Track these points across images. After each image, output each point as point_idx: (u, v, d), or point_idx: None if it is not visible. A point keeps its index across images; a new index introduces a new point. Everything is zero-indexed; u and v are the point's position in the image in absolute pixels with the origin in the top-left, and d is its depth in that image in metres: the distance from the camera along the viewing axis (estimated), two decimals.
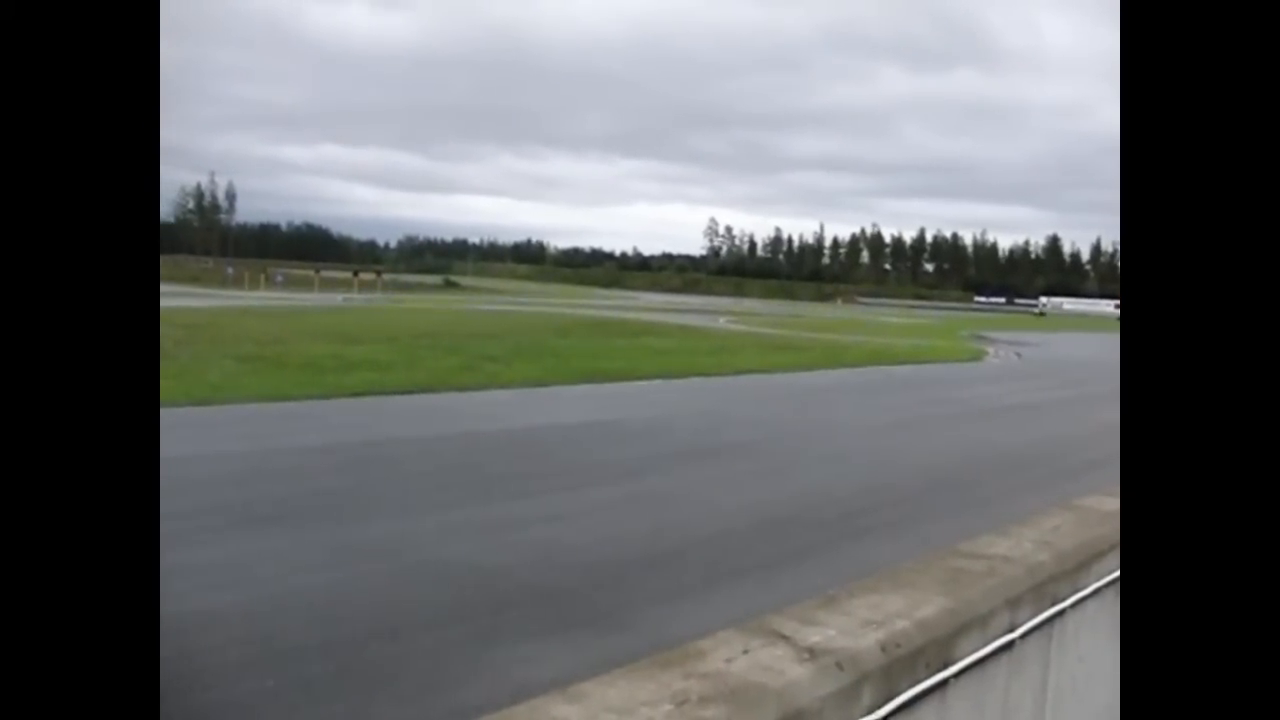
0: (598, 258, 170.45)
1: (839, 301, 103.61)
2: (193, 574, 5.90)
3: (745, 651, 2.64)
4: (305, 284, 67.82)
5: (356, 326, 30.38)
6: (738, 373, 22.63)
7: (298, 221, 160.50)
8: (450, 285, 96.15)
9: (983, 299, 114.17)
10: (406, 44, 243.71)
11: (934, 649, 3.04)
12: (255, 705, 4.50)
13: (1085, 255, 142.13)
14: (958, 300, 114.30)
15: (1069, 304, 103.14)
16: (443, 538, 7.40)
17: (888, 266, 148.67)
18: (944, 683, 3.07)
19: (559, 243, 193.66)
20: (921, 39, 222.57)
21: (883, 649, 2.82)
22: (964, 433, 15.02)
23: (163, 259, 62.24)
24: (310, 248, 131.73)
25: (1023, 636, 3.64)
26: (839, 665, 2.65)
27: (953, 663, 3.14)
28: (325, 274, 71.16)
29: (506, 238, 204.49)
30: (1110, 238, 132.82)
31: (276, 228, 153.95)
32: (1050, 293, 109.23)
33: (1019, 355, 35.37)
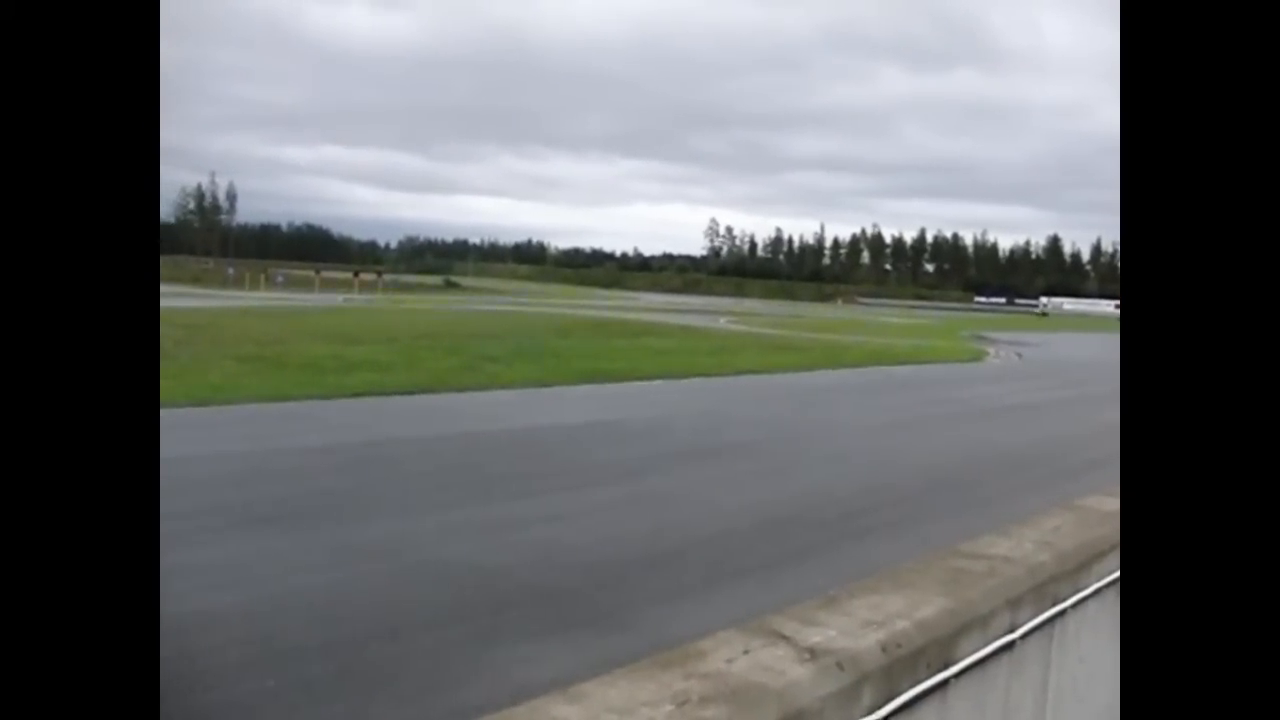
0: (598, 258, 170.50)
1: (839, 302, 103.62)
2: (193, 574, 5.90)
3: (746, 652, 2.64)
4: (306, 284, 67.86)
5: (357, 327, 30.39)
6: (738, 373, 22.63)
7: (298, 222, 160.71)
8: (451, 286, 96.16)
9: (983, 299, 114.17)
10: (407, 44, 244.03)
11: (935, 649, 3.04)
12: (255, 705, 4.50)
13: (1085, 255, 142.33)
14: (958, 300, 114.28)
15: (1069, 304, 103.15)
16: (443, 538, 7.40)
17: (888, 267, 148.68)
18: (944, 683, 3.07)
19: (559, 243, 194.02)
20: (921, 39, 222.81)
21: (883, 649, 2.82)
22: (964, 433, 15.02)
23: (163, 259, 62.27)
24: (311, 248, 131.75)
25: (1023, 637, 3.64)
26: (839, 665, 2.65)
27: (953, 663, 3.14)
28: (326, 274, 71.22)
29: (507, 238, 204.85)
30: (1110, 238, 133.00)
31: (277, 228, 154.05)
32: (1051, 293, 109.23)
33: (1019, 355, 35.37)
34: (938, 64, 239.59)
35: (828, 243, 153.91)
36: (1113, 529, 4.48)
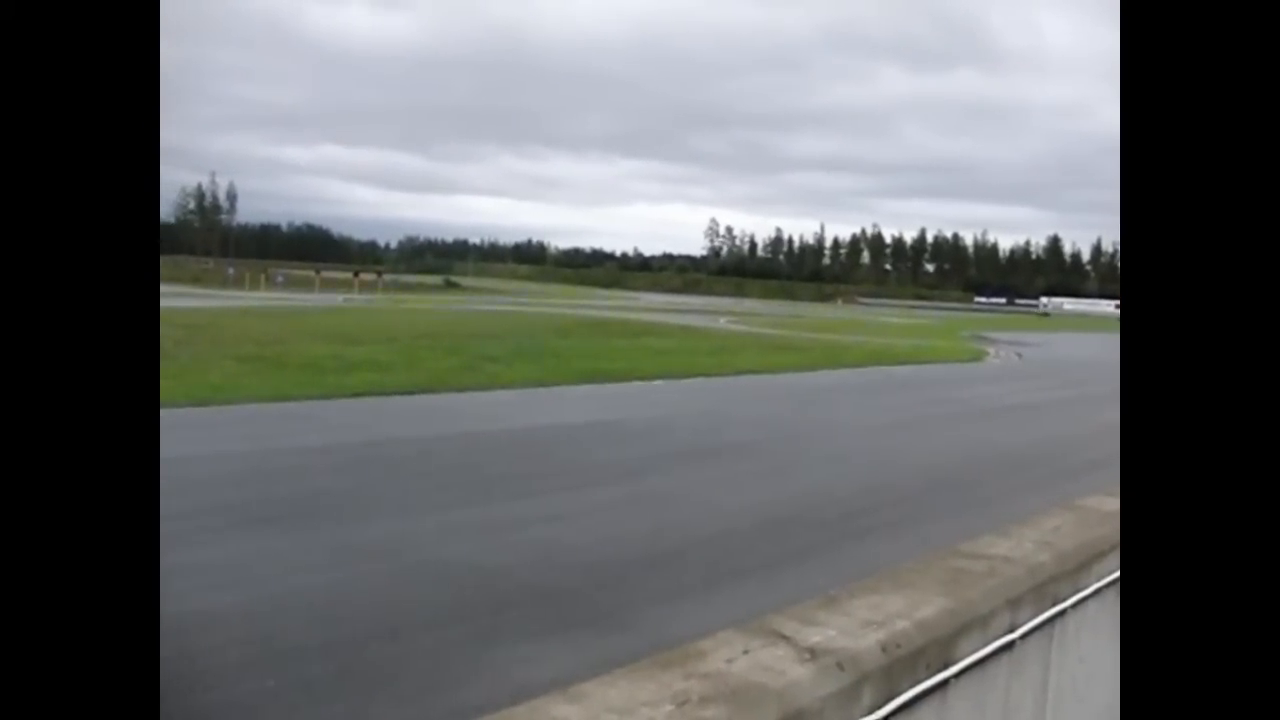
0: (598, 258, 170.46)
1: (839, 302, 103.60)
2: (193, 574, 5.90)
3: (746, 652, 2.64)
4: (306, 284, 67.86)
5: (357, 327, 30.39)
6: (738, 373, 22.63)
7: (298, 222, 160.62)
8: (451, 286, 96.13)
9: (983, 299, 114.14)
10: (407, 44, 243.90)
11: (934, 649, 3.04)
12: (256, 705, 4.50)
13: (1086, 255, 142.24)
14: (958, 301, 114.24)
15: (1069, 304, 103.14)
16: (443, 538, 7.40)
17: (888, 267, 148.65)
18: (944, 683, 3.07)
19: (559, 243, 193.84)
20: (921, 39, 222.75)
21: (883, 649, 2.82)
22: (964, 433, 15.02)
23: (163, 259, 62.26)
24: (311, 248, 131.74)
25: (1023, 637, 3.64)
26: (839, 665, 2.65)
27: (953, 663, 3.14)
28: (326, 274, 71.22)
29: (507, 238, 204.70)
30: (1110, 238, 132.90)
31: (277, 228, 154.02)
32: (1051, 293, 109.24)
33: (1019, 355, 35.37)
34: (938, 64, 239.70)
35: (828, 243, 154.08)
36: (1113, 529, 4.48)
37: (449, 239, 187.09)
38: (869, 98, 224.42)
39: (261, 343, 22.67)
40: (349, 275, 73.58)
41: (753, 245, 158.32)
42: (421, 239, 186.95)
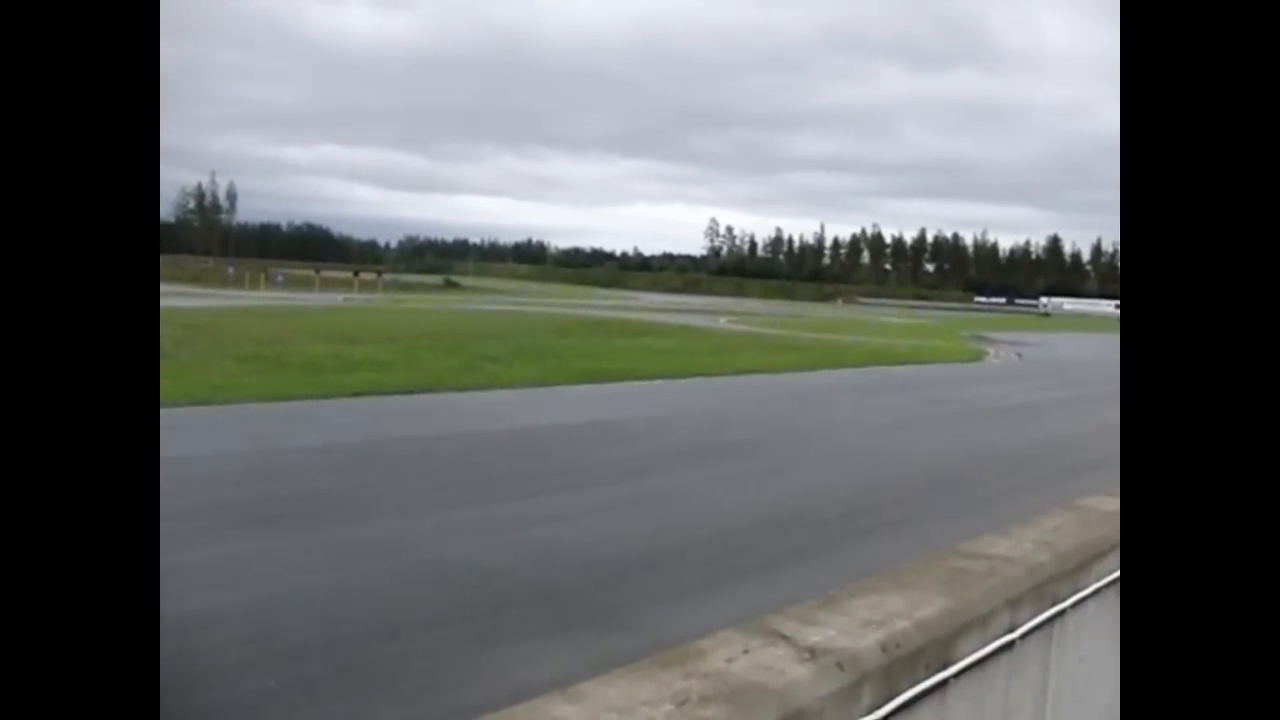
0: (598, 258, 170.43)
1: (839, 302, 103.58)
2: (193, 574, 5.91)
3: (745, 651, 2.64)
4: (306, 284, 67.85)
5: (357, 326, 30.39)
6: (738, 373, 22.64)
7: (298, 221, 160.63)
8: (451, 285, 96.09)
9: (983, 299, 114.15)
10: (407, 44, 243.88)
11: (934, 649, 3.04)
12: (256, 705, 4.50)
13: (1085, 255, 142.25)
14: (958, 300, 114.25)
15: (1069, 304, 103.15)
16: (443, 538, 7.40)
17: (888, 267, 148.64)
18: (944, 683, 3.07)
19: (559, 243, 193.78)
20: (921, 39, 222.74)
21: (883, 649, 2.82)
22: (964, 433, 15.02)
23: (163, 259, 62.24)
24: (311, 248, 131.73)
25: (1023, 637, 3.64)
26: (839, 665, 2.65)
27: (953, 663, 3.14)
28: (326, 274, 71.18)
29: (507, 238, 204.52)
30: (1110, 238, 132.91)
31: (277, 228, 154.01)
32: (1051, 293, 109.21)
33: (1019, 355, 35.38)
34: (938, 64, 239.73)
35: (828, 243, 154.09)
36: (1113, 529, 4.48)
37: (449, 239, 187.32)
38: (869, 98, 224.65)
39: (261, 342, 22.67)
40: (349, 275, 73.52)
41: (753, 245, 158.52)
42: (421, 239, 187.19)
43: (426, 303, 55.38)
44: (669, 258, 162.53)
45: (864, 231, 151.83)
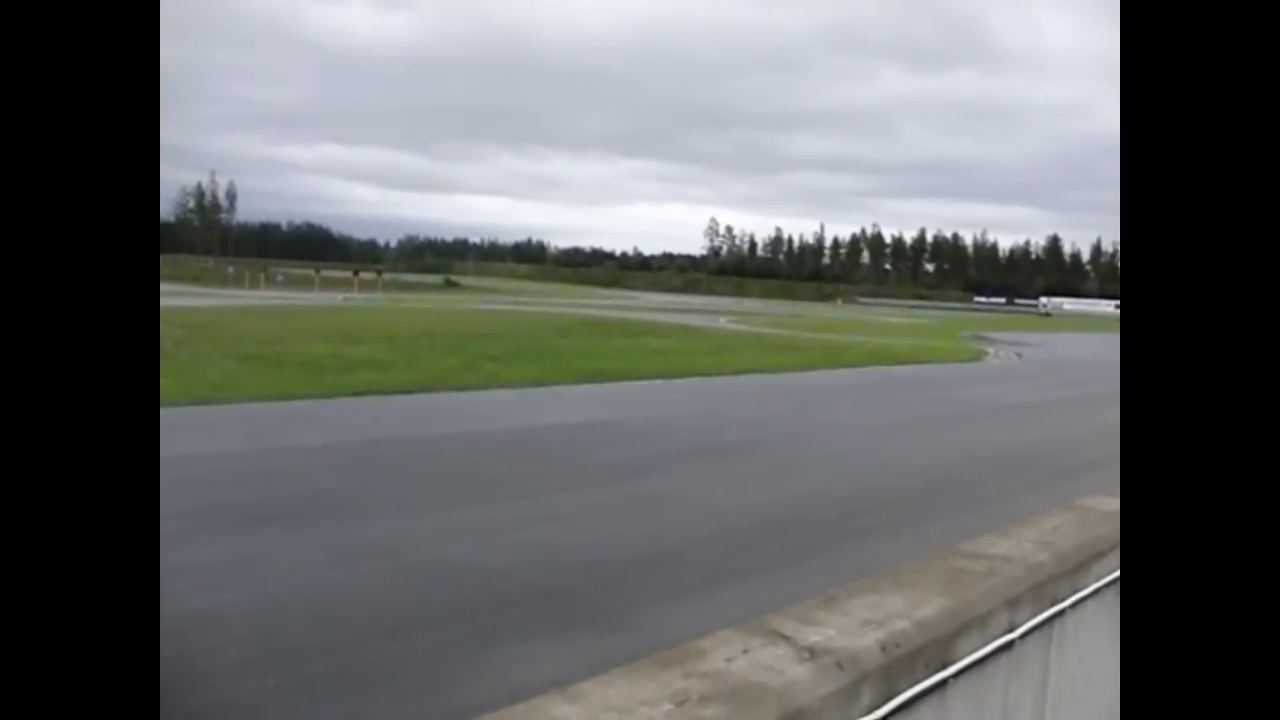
0: (598, 257, 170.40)
1: (839, 302, 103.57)
2: (193, 573, 5.91)
3: (745, 651, 2.64)
4: (305, 283, 67.84)
5: (357, 326, 30.39)
6: (738, 373, 22.64)
7: (298, 221, 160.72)
8: (450, 285, 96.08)
9: (983, 299, 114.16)
10: (407, 44, 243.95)
11: (934, 649, 3.04)
12: (256, 705, 4.50)
13: (1085, 255, 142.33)
14: (958, 300, 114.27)
15: (1069, 304, 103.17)
16: (442, 538, 7.40)
17: (888, 267, 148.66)
18: (943, 683, 3.07)
19: (559, 242, 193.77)
20: (921, 39, 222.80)
21: (882, 649, 2.82)
22: (964, 433, 15.02)
23: (163, 258, 62.23)
24: (310, 247, 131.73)
25: (1022, 637, 3.64)
26: (839, 665, 2.65)
27: (952, 663, 3.14)
28: (325, 273, 71.15)
29: (507, 237, 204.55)
30: (1110, 238, 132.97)
31: (277, 227, 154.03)
32: (1050, 293, 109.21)
33: (1019, 355, 35.37)
34: (938, 64, 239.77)
35: (828, 243, 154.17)
36: (1113, 529, 4.48)
37: (449, 238, 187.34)
38: (869, 98, 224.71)
39: (261, 341, 22.67)
40: (349, 274, 73.48)
41: (753, 245, 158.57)
42: (421, 238, 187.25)
43: (426, 302, 55.38)
44: (669, 257, 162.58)
45: (864, 231, 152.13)
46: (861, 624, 2.94)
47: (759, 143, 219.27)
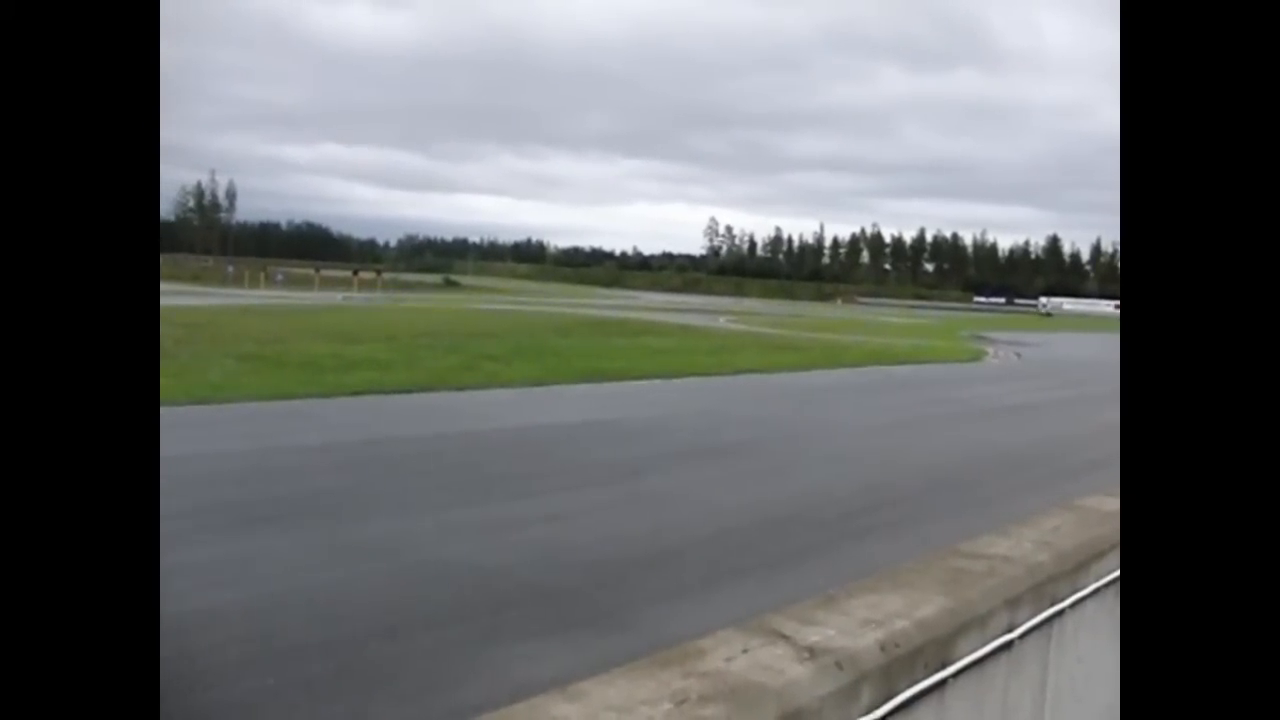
0: (598, 257, 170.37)
1: (839, 301, 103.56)
2: (193, 572, 5.91)
3: (745, 651, 2.64)
4: (305, 283, 67.82)
5: (356, 325, 30.39)
6: (738, 372, 22.63)
7: (298, 220, 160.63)
8: (450, 284, 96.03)
9: (982, 299, 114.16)
10: (407, 44, 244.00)
11: (933, 649, 3.04)
12: (255, 704, 4.50)
13: (1085, 255, 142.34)
14: (957, 300, 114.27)
15: (1069, 304, 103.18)
16: (442, 537, 7.40)
17: (888, 266, 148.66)
18: (943, 682, 3.07)
19: (559, 242, 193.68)
20: (921, 39, 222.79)
21: (882, 649, 2.82)
22: (964, 433, 15.02)
23: (163, 257, 62.16)
24: (310, 247, 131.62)
25: (1022, 637, 3.64)
26: (838, 665, 2.65)
27: (952, 663, 3.14)
28: (325, 273, 71.10)
29: (507, 237, 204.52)
30: (1110, 238, 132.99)
31: (277, 226, 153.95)
32: (1050, 293, 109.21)
33: (1019, 355, 35.37)
34: (938, 64, 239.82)
35: (827, 242, 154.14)
36: (1113, 529, 4.48)
37: (449, 238, 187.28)
38: (869, 98, 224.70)
39: (261, 341, 22.66)
40: (348, 274, 73.41)
41: (752, 245, 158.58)
42: (421, 238, 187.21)
43: (426, 302, 55.36)
44: (669, 257, 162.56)
45: (864, 231, 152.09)
46: (861, 624, 2.94)
47: (759, 143, 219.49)
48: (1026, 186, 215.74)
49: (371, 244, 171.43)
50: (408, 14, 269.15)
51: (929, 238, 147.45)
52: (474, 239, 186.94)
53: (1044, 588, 3.87)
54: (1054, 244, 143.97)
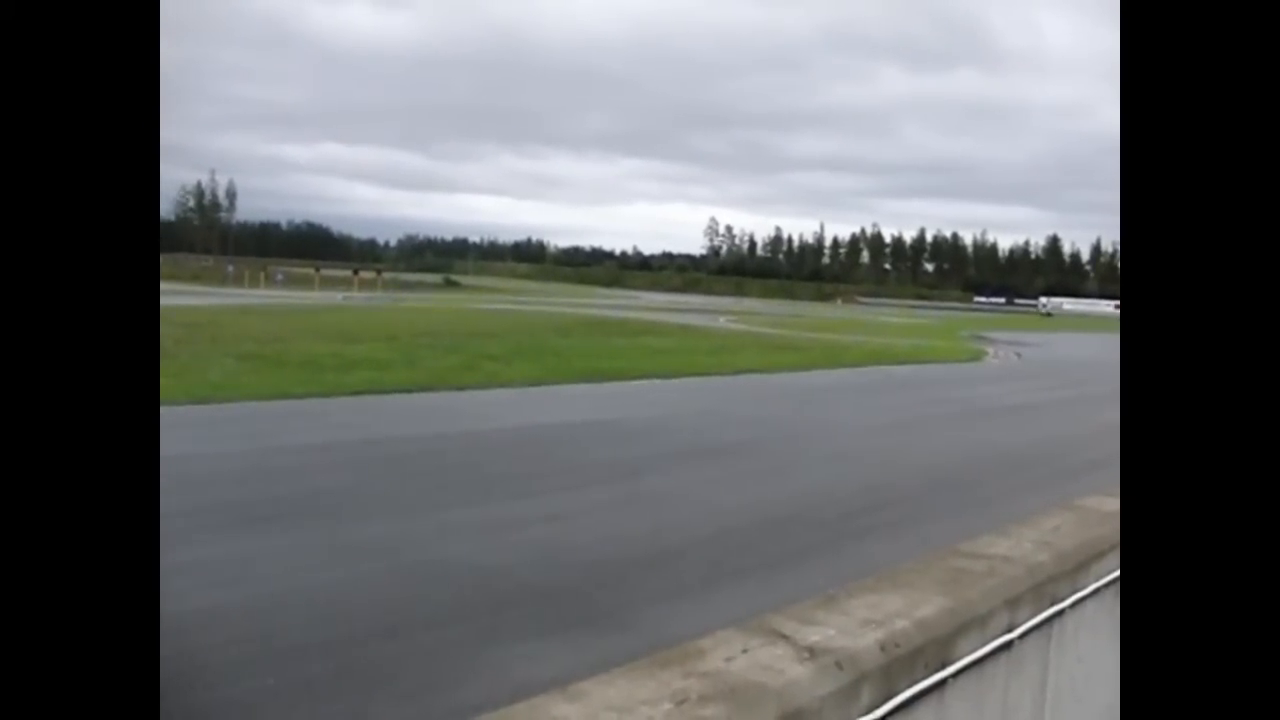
0: (598, 257, 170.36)
1: (839, 301, 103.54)
2: (193, 572, 5.91)
3: (745, 651, 2.64)
4: (305, 282, 67.80)
5: (356, 325, 30.38)
6: (738, 372, 22.63)
7: (298, 220, 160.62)
8: (450, 284, 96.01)
9: (982, 299, 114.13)
10: (408, 43, 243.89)
11: (933, 649, 3.04)
12: (255, 704, 4.50)
13: (1085, 255, 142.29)
14: (958, 300, 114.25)
15: (1069, 304, 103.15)
16: (442, 537, 7.40)
17: (888, 266, 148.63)
18: (943, 682, 3.07)
19: (559, 242, 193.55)
20: (921, 39, 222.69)
21: (882, 649, 2.82)
22: (964, 433, 15.02)
23: (163, 257, 62.18)
24: (310, 246, 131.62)
25: (1022, 637, 3.64)
26: (838, 665, 2.65)
27: (952, 662, 3.14)
28: (325, 273, 71.04)
29: (507, 237, 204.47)
30: (1110, 238, 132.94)
31: (277, 226, 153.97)
32: (1050, 293, 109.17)
33: (1019, 356, 35.37)
34: (938, 64, 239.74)
35: (827, 242, 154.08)
36: (1113, 529, 4.48)
37: (449, 237, 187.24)
38: (869, 98, 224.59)
39: (261, 341, 22.66)
40: (348, 273, 73.36)
41: (752, 245, 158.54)
42: (421, 237, 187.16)
43: (426, 302, 55.35)
44: (669, 257, 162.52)
45: (864, 231, 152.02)
46: (861, 624, 2.94)
47: (759, 143, 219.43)
48: (1026, 186, 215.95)
49: (372, 244, 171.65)
50: (408, 14, 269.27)
51: (929, 238, 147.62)
52: (474, 239, 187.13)
53: (1044, 588, 3.87)
54: (1054, 244, 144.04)
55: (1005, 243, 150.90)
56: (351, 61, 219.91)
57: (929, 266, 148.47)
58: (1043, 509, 5.09)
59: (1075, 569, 4.16)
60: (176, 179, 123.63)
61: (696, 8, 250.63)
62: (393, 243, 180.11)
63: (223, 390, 14.51)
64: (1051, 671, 4.03)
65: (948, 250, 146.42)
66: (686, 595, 6.25)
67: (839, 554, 7.44)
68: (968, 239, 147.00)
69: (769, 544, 7.71)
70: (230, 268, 75.84)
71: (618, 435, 13.07)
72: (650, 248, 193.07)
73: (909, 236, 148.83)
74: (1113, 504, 4.88)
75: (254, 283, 66.54)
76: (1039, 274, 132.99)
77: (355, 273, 73.89)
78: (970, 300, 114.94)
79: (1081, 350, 38.63)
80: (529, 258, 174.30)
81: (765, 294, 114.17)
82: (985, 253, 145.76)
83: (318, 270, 70.99)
